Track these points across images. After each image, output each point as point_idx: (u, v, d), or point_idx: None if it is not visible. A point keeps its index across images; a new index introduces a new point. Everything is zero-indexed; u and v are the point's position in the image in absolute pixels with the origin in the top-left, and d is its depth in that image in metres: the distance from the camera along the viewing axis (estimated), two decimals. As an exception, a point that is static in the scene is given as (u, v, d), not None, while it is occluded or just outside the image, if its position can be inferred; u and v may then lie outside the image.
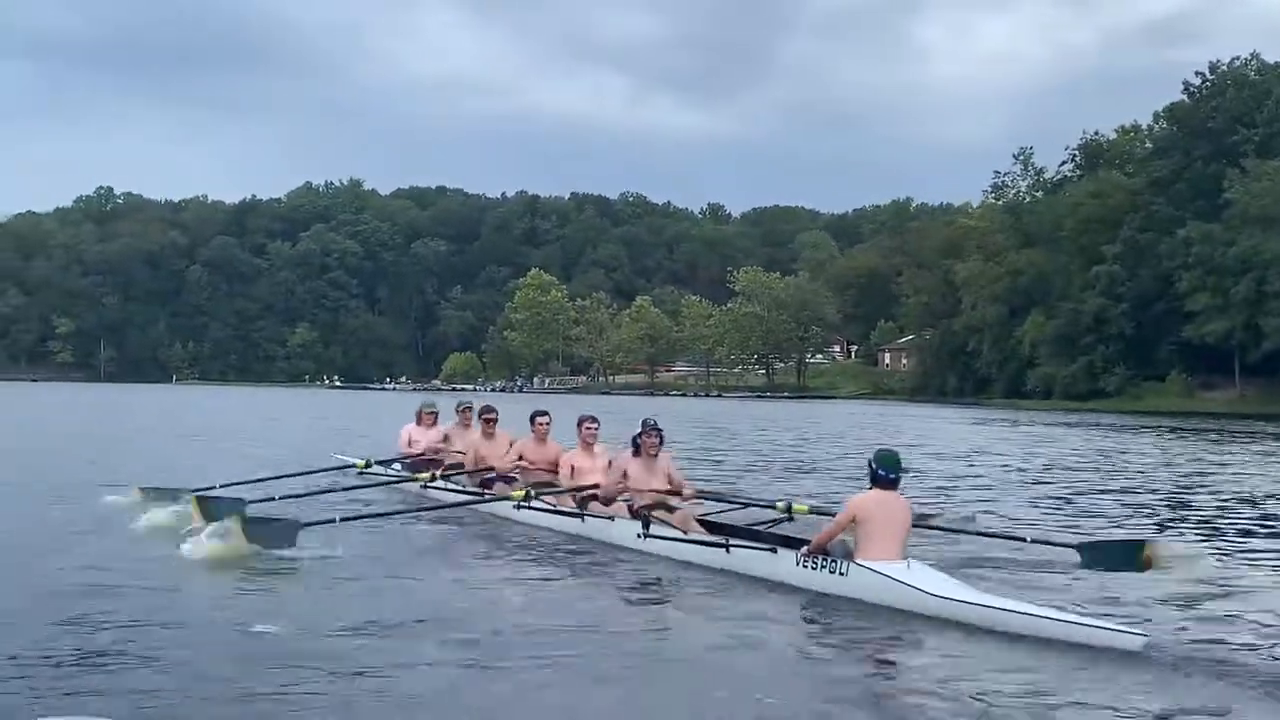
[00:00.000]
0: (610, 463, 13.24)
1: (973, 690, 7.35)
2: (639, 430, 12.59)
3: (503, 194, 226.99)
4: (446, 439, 17.19)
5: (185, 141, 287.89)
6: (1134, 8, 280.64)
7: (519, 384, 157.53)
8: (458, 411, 17.50)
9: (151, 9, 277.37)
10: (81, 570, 10.56)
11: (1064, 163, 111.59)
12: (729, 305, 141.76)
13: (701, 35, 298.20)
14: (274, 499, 14.00)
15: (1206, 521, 16.54)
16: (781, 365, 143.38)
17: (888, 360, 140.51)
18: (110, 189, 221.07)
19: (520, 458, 14.85)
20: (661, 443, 12.64)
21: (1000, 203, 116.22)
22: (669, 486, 12.60)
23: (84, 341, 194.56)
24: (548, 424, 15.00)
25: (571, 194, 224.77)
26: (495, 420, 16.02)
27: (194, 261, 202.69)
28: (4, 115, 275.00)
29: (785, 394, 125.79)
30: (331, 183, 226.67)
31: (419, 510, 14.07)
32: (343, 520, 12.23)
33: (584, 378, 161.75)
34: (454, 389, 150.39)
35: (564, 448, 14.54)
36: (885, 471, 9.89)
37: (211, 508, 12.51)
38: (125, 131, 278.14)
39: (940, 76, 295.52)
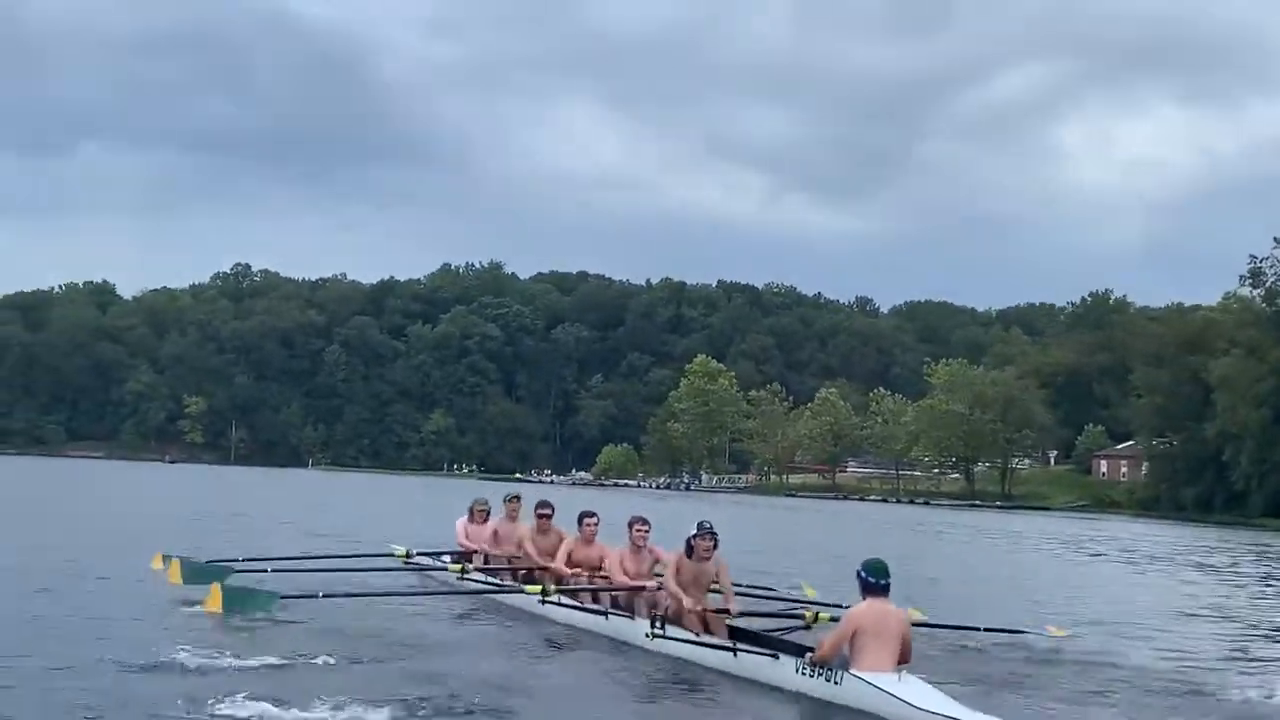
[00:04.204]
0: (658, 560, 13.50)
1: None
2: (693, 532, 12.50)
3: (647, 280, 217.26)
4: (495, 534, 17.27)
5: (325, 222, 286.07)
6: (1277, 117, 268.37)
7: (685, 481, 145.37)
8: (505, 503, 17.46)
9: (307, 103, 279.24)
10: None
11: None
12: (927, 400, 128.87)
13: (839, 136, 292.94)
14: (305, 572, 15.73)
15: None
16: (979, 470, 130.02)
17: (1104, 469, 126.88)
18: (248, 266, 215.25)
19: (569, 557, 14.95)
20: (715, 546, 12.55)
21: (1258, 292, 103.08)
22: (715, 591, 12.73)
23: (215, 421, 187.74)
24: (596, 525, 15.08)
25: (719, 281, 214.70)
26: (550, 516, 16.03)
27: (331, 341, 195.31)
28: (156, 203, 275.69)
29: (998, 503, 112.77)
30: (472, 264, 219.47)
31: (422, 593, 15.51)
32: (325, 596, 13.44)
33: (751, 475, 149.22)
34: (615, 484, 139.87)
35: (609, 548, 14.57)
36: (875, 579, 10.12)
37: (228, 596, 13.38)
38: (265, 214, 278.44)
39: (1081, 181, 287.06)
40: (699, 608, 12.41)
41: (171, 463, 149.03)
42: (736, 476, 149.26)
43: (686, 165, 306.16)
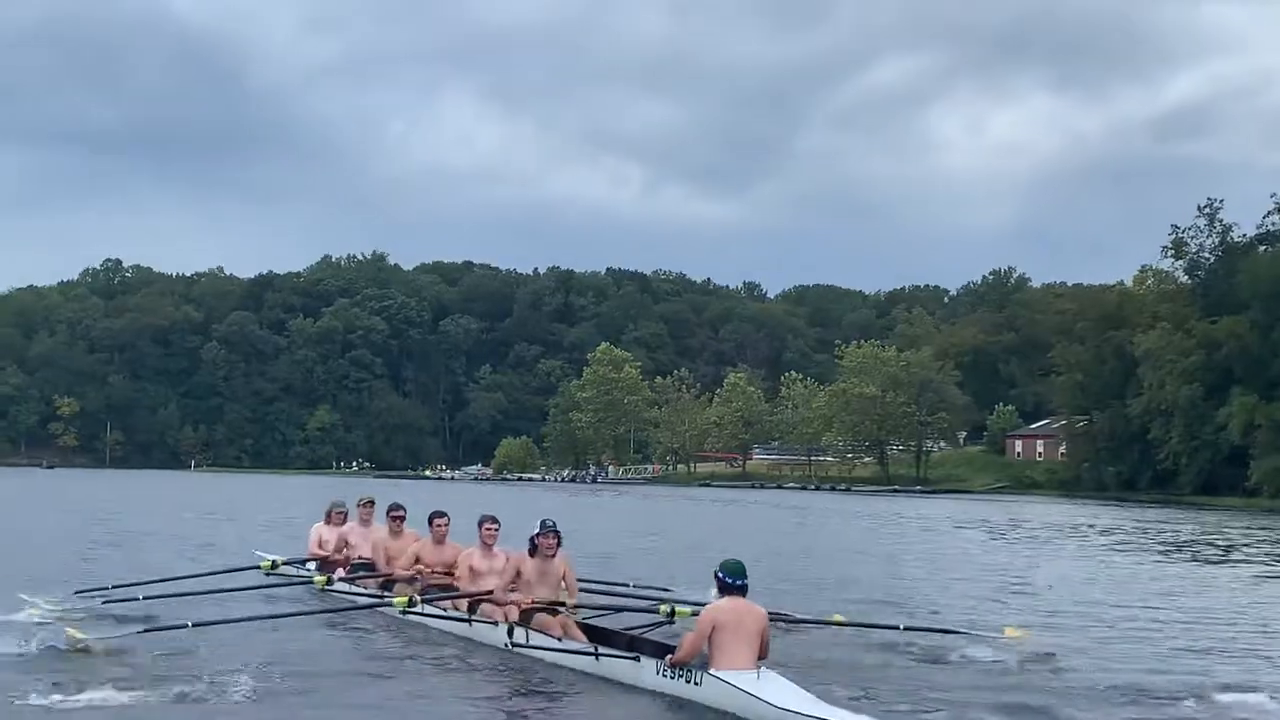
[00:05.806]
0: (507, 560, 13.20)
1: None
2: (537, 530, 12.61)
3: (535, 269, 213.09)
4: (348, 539, 17.36)
5: (199, 217, 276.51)
6: (1140, 102, 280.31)
7: (592, 473, 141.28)
8: (358, 506, 17.69)
9: (181, 100, 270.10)
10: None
11: (1269, 214, 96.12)
12: (839, 384, 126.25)
13: (719, 126, 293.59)
14: (168, 596, 14.91)
15: None
16: (894, 453, 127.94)
17: (1019, 449, 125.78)
18: (119, 261, 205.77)
19: (417, 559, 15.05)
20: (559, 544, 12.67)
21: (1181, 264, 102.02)
22: (561, 588, 12.68)
23: (88, 424, 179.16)
24: (446, 525, 15.23)
25: (608, 269, 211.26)
26: (403, 519, 16.43)
27: (208, 338, 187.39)
28: (20, 199, 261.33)
29: (917, 488, 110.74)
30: (354, 256, 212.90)
31: (290, 614, 14.21)
32: (195, 626, 12.47)
33: (657, 466, 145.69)
34: (519, 479, 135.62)
35: (461, 548, 14.54)
36: (732, 579, 10.23)
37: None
38: (136, 210, 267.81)
39: (953, 166, 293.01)
40: (546, 603, 12.55)
41: (49, 468, 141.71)
42: (643, 467, 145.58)
43: (567, 156, 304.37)
